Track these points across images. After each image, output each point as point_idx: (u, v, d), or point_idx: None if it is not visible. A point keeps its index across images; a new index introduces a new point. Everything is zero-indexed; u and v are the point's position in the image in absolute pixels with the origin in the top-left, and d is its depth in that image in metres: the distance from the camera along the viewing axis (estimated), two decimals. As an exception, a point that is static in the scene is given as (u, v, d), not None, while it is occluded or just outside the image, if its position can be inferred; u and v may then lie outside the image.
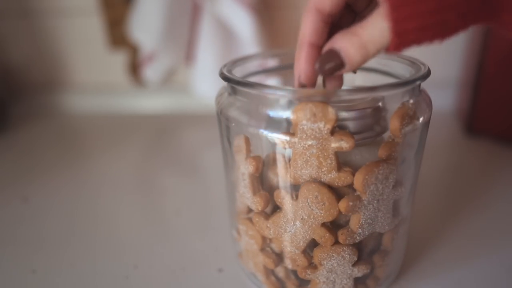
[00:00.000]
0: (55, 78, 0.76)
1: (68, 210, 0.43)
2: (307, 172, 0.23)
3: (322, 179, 0.23)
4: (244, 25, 0.55)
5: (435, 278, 0.32)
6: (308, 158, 0.23)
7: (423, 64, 0.25)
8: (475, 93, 0.55)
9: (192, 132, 0.64)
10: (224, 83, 0.27)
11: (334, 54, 0.21)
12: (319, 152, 0.22)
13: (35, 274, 0.33)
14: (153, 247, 0.36)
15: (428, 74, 0.24)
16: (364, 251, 0.27)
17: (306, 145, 0.22)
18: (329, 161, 0.23)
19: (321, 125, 0.22)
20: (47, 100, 0.76)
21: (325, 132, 0.22)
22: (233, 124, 0.26)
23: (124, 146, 0.60)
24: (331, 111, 0.21)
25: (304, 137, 0.22)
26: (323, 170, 0.23)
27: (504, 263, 0.33)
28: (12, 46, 0.74)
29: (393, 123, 0.23)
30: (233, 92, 0.26)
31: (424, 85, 0.25)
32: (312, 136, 0.22)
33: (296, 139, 0.22)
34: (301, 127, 0.22)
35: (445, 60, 0.65)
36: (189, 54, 0.65)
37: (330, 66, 0.21)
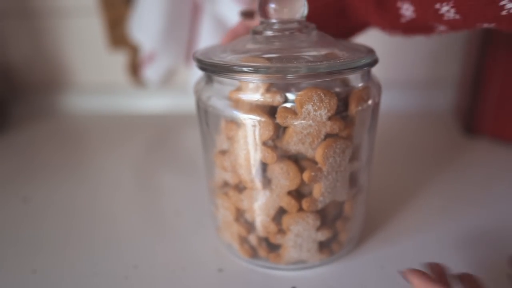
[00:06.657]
0: (55, 78, 0.76)
1: (68, 210, 0.43)
2: (297, 148, 0.27)
3: (307, 154, 0.27)
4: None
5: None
6: (304, 136, 0.26)
7: (373, 52, 0.29)
8: (474, 93, 0.54)
9: (192, 132, 0.64)
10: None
11: None
12: (315, 132, 0.26)
13: (35, 274, 0.33)
14: (153, 247, 0.36)
15: (375, 61, 0.28)
16: (328, 217, 0.30)
17: (306, 125, 0.26)
18: (319, 140, 0.26)
19: (324, 111, 0.25)
20: (48, 100, 0.76)
21: (325, 117, 0.26)
22: (211, 108, 0.29)
23: (124, 146, 0.60)
24: (335, 100, 0.25)
25: (307, 118, 0.25)
26: (312, 147, 0.27)
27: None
28: (13, 46, 0.74)
29: (351, 105, 0.27)
30: (209, 79, 0.30)
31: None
32: (313, 119, 0.25)
33: (299, 120, 0.25)
34: (306, 110, 0.25)
35: (444, 60, 0.65)
36: (189, 54, 0.65)
37: None
